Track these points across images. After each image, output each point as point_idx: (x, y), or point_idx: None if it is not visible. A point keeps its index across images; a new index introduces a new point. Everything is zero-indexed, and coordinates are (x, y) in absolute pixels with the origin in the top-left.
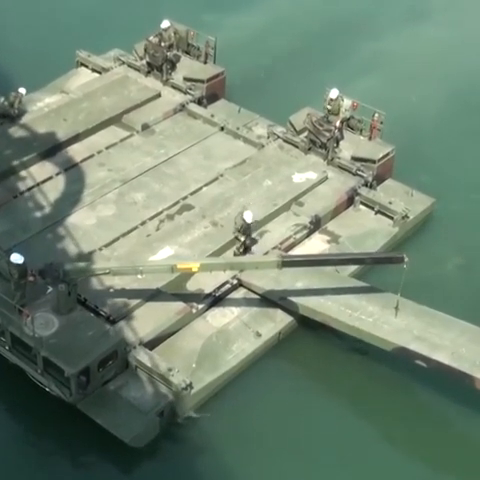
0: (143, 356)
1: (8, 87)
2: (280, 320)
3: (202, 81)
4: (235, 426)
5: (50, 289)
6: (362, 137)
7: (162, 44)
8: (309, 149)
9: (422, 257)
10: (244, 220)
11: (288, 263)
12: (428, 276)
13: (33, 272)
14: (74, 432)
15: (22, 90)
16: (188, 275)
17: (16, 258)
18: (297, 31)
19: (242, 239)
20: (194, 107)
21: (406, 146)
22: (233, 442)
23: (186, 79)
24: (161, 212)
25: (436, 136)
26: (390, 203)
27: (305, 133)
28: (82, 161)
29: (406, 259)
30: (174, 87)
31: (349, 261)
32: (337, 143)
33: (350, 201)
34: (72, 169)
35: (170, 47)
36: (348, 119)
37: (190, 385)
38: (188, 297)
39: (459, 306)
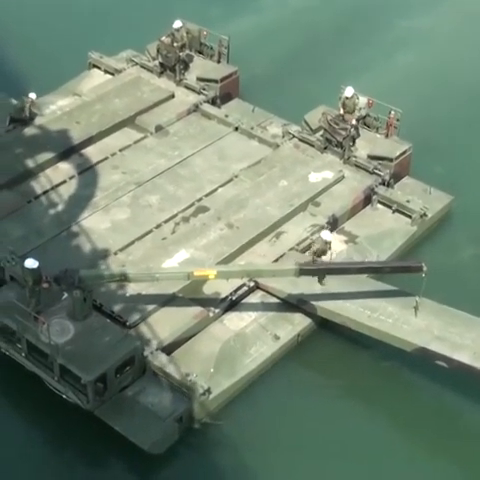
0: (160, 361)
1: (20, 89)
2: (298, 322)
3: (216, 81)
4: (254, 431)
5: (65, 295)
6: (378, 135)
7: (175, 44)
8: (325, 148)
9: (440, 252)
10: (323, 239)
11: (306, 271)
12: (446, 271)
13: (48, 279)
14: (92, 439)
15: (32, 95)
16: (204, 280)
17: (31, 263)
18: (308, 27)
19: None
20: (208, 107)
21: (422, 140)
22: (252, 447)
23: (199, 79)
24: (176, 215)
25: (451, 129)
26: (408, 201)
27: (321, 132)
28: (96, 164)
29: (425, 268)
30: (187, 87)
31: (367, 270)
32: (353, 141)
33: (367, 200)
34: (86, 172)
35: (183, 47)
36: (364, 117)
37: (208, 390)
38: (205, 301)
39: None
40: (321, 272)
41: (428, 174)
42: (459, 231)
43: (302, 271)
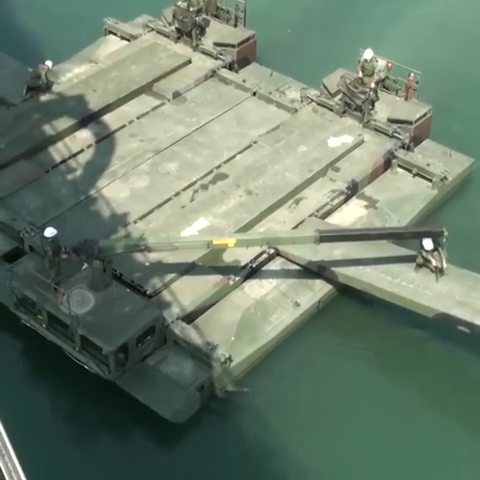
0: (181, 330)
1: (37, 57)
2: (319, 289)
3: (233, 46)
4: (276, 397)
5: (85, 266)
6: (398, 98)
7: (190, 9)
8: (344, 112)
9: (461, 215)
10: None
11: (326, 238)
12: (467, 234)
13: (67, 250)
14: (114, 408)
15: (48, 63)
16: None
17: (50, 232)
18: None
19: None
20: (225, 72)
21: (441, 102)
22: (274, 414)
23: (216, 44)
24: (195, 182)
25: (473, 90)
26: (428, 165)
27: (339, 95)
28: (113, 132)
29: (445, 233)
30: (204, 53)
31: (387, 236)
32: (372, 105)
33: (387, 164)
34: (103, 141)
35: (199, 12)
36: (383, 80)
37: (229, 358)
38: (225, 269)
39: None
40: (341, 239)
41: (449, 137)
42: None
43: (322, 238)
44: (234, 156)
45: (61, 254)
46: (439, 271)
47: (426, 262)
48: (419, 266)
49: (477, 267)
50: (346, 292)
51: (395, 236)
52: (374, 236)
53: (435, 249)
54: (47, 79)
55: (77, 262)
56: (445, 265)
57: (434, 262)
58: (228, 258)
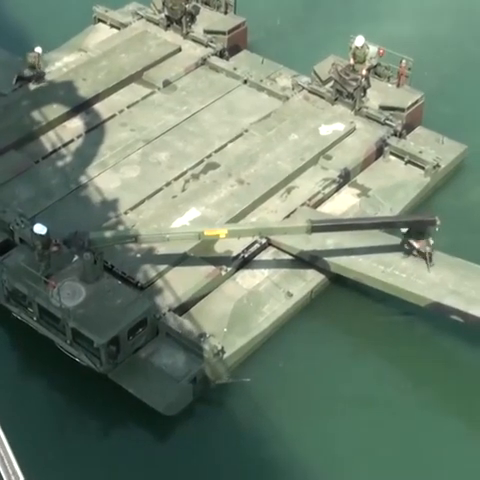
0: (173, 322)
1: (25, 47)
2: (311, 279)
3: (223, 33)
4: (269, 389)
5: (76, 257)
6: (390, 85)
7: None
8: (336, 99)
9: (454, 202)
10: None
11: (318, 228)
12: (460, 220)
13: (57, 242)
14: (107, 400)
15: (38, 49)
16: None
17: (39, 229)
18: None
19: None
20: (216, 60)
21: (434, 88)
22: (267, 405)
23: (207, 31)
24: (186, 172)
25: (464, 75)
26: (420, 152)
27: (331, 83)
28: (103, 122)
29: (438, 222)
30: (195, 40)
31: (380, 225)
32: (364, 92)
33: (379, 152)
34: (94, 130)
35: None
36: (375, 67)
37: (222, 350)
38: (216, 259)
39: None
40: (333, 228)
41: (441, 123)
42: (473, 181)
43: (314, 228)
44: (225, 145)
45: (51, 246)
46: (425, 257)
47: (409, 246)
48: (406, 253)
49: (470, 254)
50: (339, 282)
51: (387, 225)
52: (366, 225)
53: (420, 233)
54: (40, 67)
55: (68, 254)
56: (429, 249)
57: (416, 245)
58: (220, 249)
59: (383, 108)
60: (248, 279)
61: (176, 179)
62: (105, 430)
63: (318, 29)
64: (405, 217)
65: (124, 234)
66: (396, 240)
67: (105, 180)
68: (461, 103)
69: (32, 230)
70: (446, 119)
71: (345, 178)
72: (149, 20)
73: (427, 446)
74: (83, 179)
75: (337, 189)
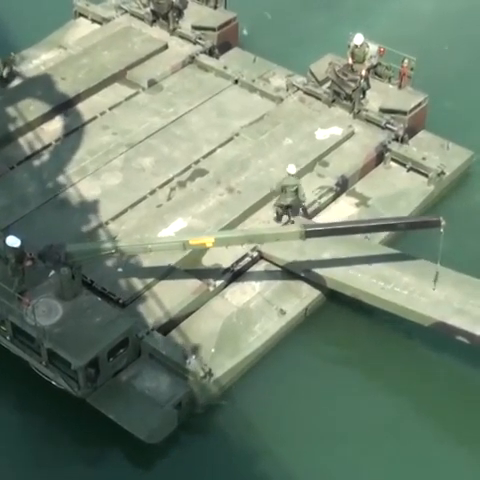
0: (157, 342)
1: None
2: (306, 295)
3: (213, 29)
4: (260, 413)
5: (52, 272)
6: (391, 86)
7: None
8: (333, 101)
9: (459, 212)
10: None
11: (312, 233)
12: (468, 232)
13: (32, 255)
14: (85, 427)
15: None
16: (203, 249)
17: (12, 241)
18: None
19: None
20: (205, 58)
21: (438, 90)
22: (257, 431)
23: (195, 27)
24: (172, 179)
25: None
26: (424, 159)
27: (328, 83)
28: (84, 124)
29: (443, 222)
30: (182, 37)
31: (379, 227)
32: (363, 94)
33: (379, 158)
34: (73, 134)
35: None
36: (375, 66)
37: (209, 372)
38: (204, 273)
39: None
40: (329, 233)
41: (446, 127)
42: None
43: (308, 233)
44: (214, 150)
45: (25, 260)
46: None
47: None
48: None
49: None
50: (335, 298)
51: (387, 228)
52: (365, 228)
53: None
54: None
55: (43, 268)
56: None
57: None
58: (208, 262)
59: (384, 111)
60: (238, 295)
61: (161, 187)
62: (82, 459)
63: (314, 26)
64: (407, 218)
65: (103, 246)
66: (397, 253)
67: (85, 187)
68: (468, 105)
69: (5, 242)
70: (452, 122)
71: (343, 186)
72: (133, 15)
73: (424, 463)
74: (61, 186)
75: (334, 198)
